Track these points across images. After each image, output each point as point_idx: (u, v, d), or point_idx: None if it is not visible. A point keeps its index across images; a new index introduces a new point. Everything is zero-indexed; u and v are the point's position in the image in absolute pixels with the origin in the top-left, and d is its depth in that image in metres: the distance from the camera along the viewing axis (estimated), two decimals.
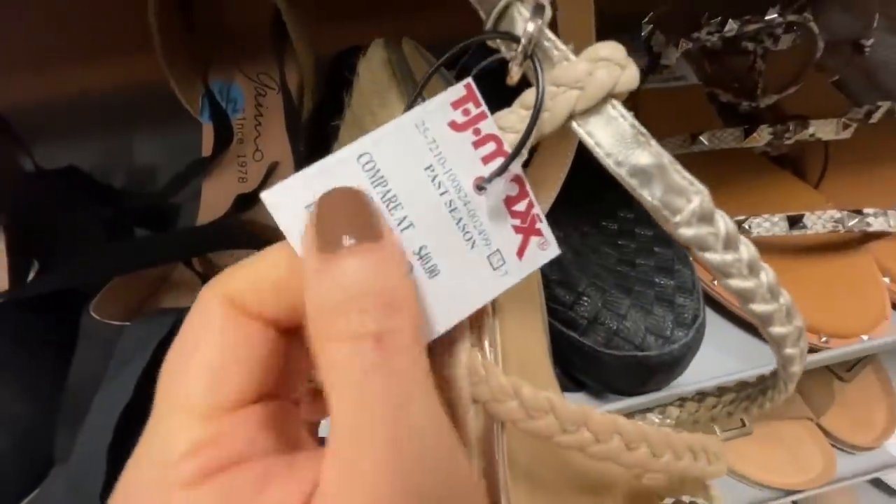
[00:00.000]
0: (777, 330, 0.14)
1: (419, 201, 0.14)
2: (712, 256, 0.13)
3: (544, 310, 0.25)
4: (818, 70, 0.55)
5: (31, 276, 0.34)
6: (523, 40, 0.14)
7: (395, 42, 0.27)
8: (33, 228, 0.35)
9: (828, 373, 0.67)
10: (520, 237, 0.15)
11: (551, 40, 0.14)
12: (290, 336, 0.13)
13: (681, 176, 0.13)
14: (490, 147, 0.14)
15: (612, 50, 0.13)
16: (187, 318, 0.12)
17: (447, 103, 0.14)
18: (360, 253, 0.12)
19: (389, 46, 0.26)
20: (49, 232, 0.35)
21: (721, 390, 0.22)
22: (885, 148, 0.46)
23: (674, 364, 0.30)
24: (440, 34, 0.33)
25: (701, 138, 0.40)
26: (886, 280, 0.38)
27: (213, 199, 0.41)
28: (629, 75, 0.13)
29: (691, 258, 0.33)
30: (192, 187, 0.41)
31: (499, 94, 0.16)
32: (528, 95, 0.15)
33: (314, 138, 0.41)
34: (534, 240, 0.15)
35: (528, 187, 0.15)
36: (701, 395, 0.23)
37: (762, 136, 0.39)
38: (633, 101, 0.49)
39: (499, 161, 0.14)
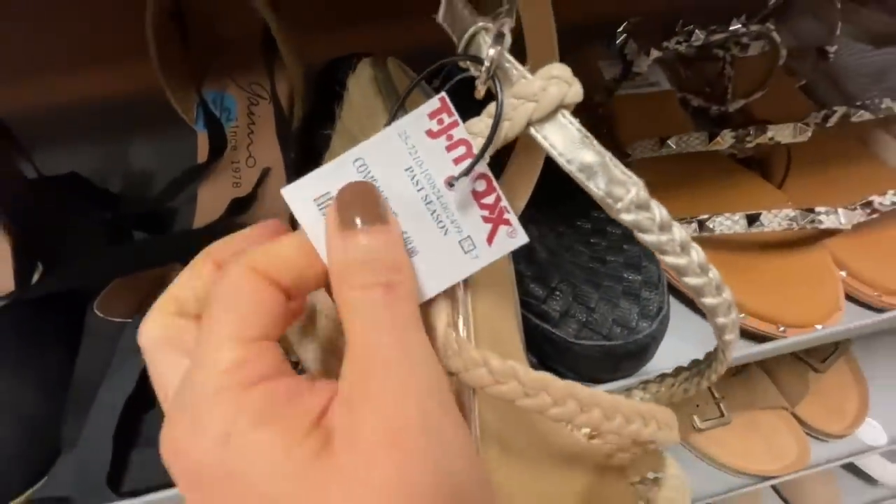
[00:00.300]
0: (709, 301, 0.17)
1: (401, 196, 0.17)
2: (650, 237, 0.16)
3: (516, 293, 0.28)
4: (788, 75, 0.57)
5: (35, 277, 0.36)
6: (486, 63, 0.16)
7: (381, 61, 0.30)
8: (37, 232, 0.36)
9: (802, 364, 0.69)
10: (489, 226, 0.17)
11: (511, 62, 0.17)
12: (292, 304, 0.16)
13: (620, 171, 0.16)
14: (461, 150, 0.17)
15: (561, 70, 0.16)
16: (217, 284, 0.15)
17: (424, 115, 0.16)
18: (372, 232, 0.15)
19: (376, 65, 0.29)
20: (52, 235, 0.36)
21: (677, 370, 0.24)
22: (844, 149, 0.48)
23: (639, 352, 0.32)
24: (422, 44, 0.35)
25: (669, 142, 0.42)
26: (843, 273, 0.41)
27: (209, 204, 0.43)
28: (575, 90, 0.16)
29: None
30: (188, 192, 0.42)
31: (482, 100, 0.18)
32: (494, 106, 0.17)
33: (304, 145, 0.43)
34: (503, 228, 0.17)
35: (495, 184, 0.17)
36: (661, 377, 0.26)
37: (725, 140, 0.41)
38: (608, 107, 0.51)
39: (468, 162, 0.17)
